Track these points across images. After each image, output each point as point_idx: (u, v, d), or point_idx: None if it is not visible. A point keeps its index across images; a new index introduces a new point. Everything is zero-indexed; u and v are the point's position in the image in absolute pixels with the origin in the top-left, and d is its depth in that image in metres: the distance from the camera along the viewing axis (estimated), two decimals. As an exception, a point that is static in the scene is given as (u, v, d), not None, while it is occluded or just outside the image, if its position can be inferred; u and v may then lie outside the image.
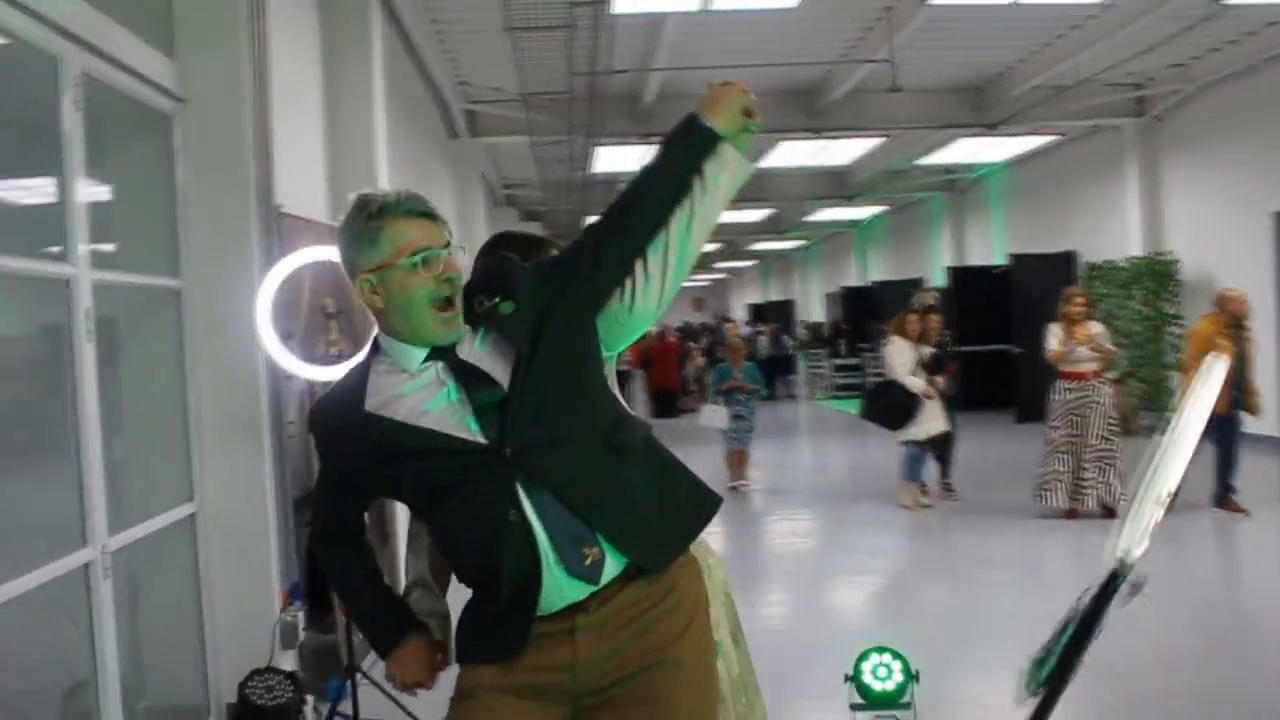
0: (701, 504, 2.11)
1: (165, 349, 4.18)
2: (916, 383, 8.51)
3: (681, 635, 1.98)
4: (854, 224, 24.31)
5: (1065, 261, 13.71)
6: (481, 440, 1.91)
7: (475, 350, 1.97)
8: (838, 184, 18.42)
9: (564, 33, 7.71)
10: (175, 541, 4.14)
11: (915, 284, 18.72)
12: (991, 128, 12.22)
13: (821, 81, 11.66)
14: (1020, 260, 14.38)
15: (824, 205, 20.24)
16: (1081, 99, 11.61)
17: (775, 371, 22.44)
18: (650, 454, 2.07)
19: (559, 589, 1.92)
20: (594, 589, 1.93)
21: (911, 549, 7.73)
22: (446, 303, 1.93)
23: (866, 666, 3.98)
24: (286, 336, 4.30)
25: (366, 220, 1.93)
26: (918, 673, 3.96)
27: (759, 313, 31.38)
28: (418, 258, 1.90)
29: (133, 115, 4.08)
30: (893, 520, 8.37)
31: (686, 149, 2.02)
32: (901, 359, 8.61)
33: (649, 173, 2.04)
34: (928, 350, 8.71)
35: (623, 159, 13.26)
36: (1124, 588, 1.60)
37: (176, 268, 4.17)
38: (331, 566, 2.24)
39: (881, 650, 4.00)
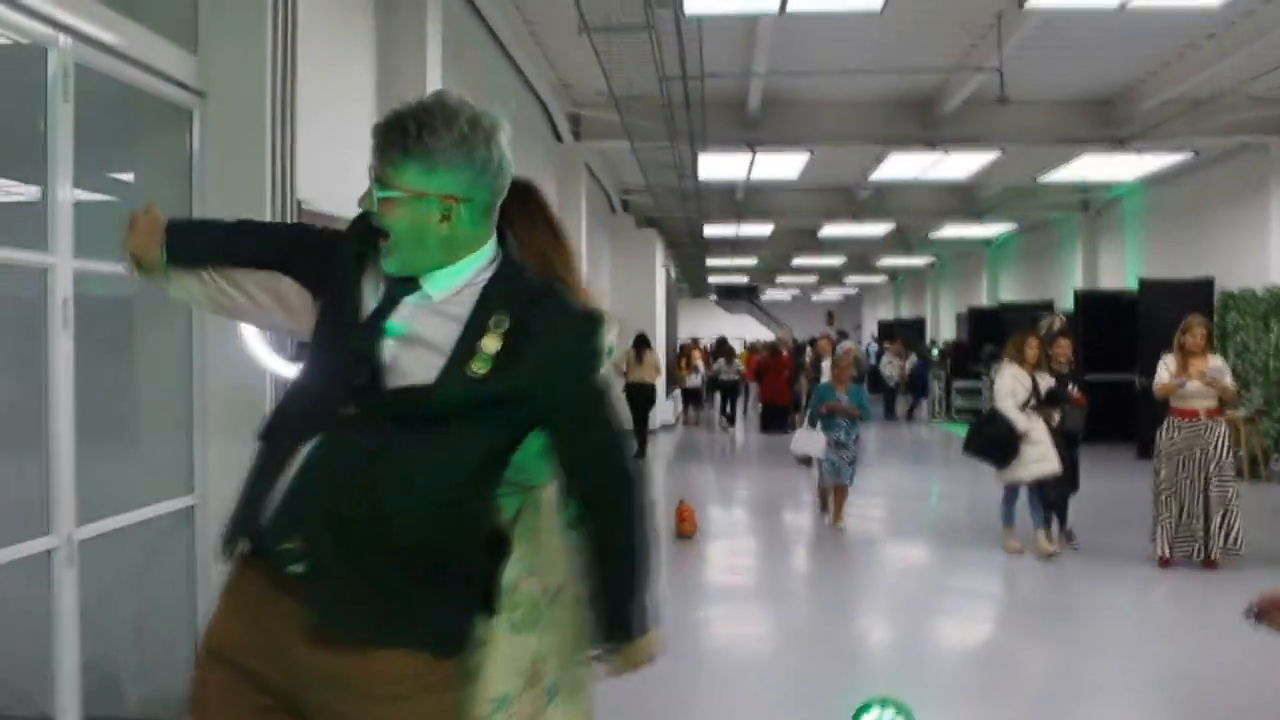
0: (454, 626, 1.90)
1: (176, 342, 4.16)
2: (1018, 417, 7.57)
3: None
4: (986, 243, 23.43)
5: (1200, 289, 12.83)
6: (359, 374, 1.80)
7: (430, 320, 1.83)
8: (964, 200, 17.77)
9: (648, 35, 7.54)
10: (174, 533, 4.11)
11: (1043, 307, 17.90)
12: (1120, 143, 11.51)
13: (936, 92, 11.18)
14: (1150, 286, 13.54)
15: (950, 222, 19.53)
16: (1222, 114, 10.82)
17: (916, 392, 22.06)
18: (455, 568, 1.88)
19: (268, 536, 1.83)
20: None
21: (1002, 595, 7.18)
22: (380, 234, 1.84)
23: None
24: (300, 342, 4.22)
25: None
26: (925, 729, 3.64)
27: (888, 331, 30.60)
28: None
29: (154, 109, 4.07)
30: (995, 563, 7.66)
31: (615, 614, 1.97)
32: (1011, 386, 7.72)
33: (612, 550, 1.96)
34: (1047, 379, 7.84)
35: (731, 166, 13.02)
36: None
37: (190, 260, 4.13)
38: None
39: (885, 703, 3.68)
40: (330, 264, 1.95)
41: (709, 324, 37.60)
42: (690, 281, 33.16)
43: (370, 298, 1.88)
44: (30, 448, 3.51)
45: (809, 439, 8.92)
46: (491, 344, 1.79)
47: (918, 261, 28.76)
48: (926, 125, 11.61)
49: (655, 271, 19.11)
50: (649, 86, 9.11)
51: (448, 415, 1.79)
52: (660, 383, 17.71)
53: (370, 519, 1.77)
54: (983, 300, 23.81)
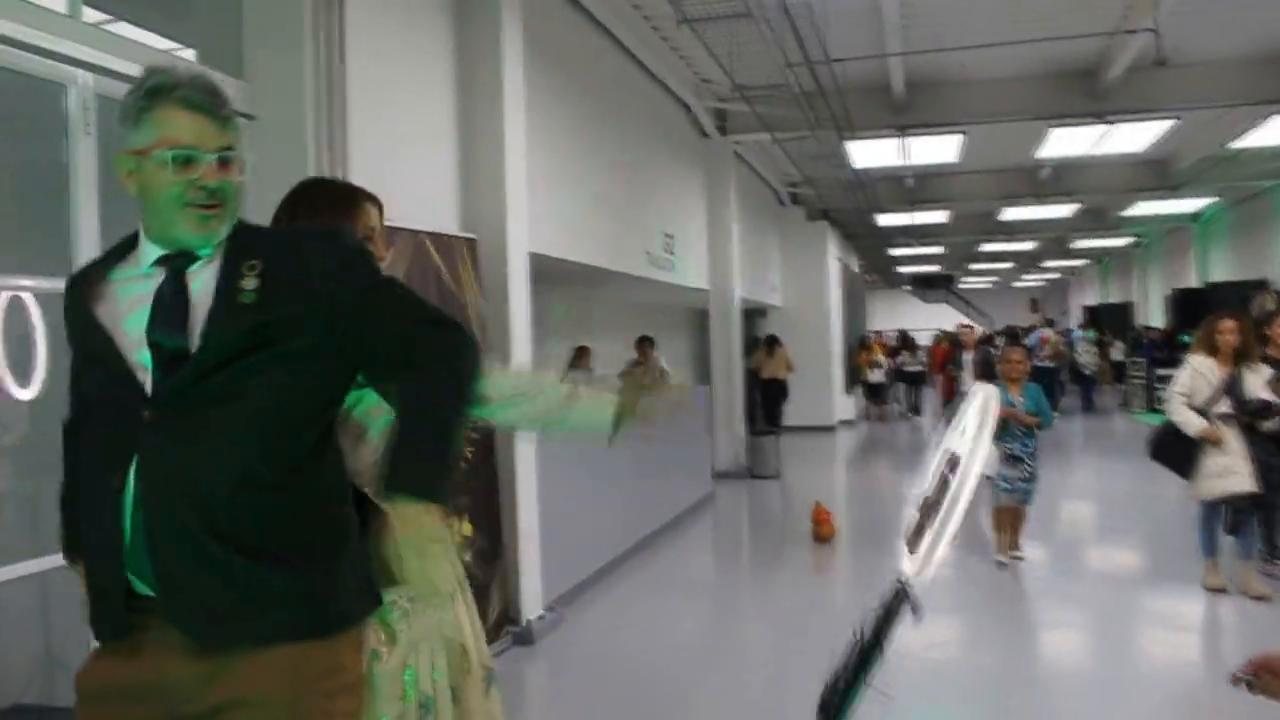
0: (323, 608, 1.79)
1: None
2: (1191, 421, 6.13)
3: None
4: (1194, 218, 21.71)
5: None
6: (142, 383, 1.75)
7: (208, 284, 1.78)
8: (1156, 174, 16.51)
9: (756, 23, 7.33)
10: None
11: (1256, 286, 16.44)
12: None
13: (1095, 61, 10.39)
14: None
15: (1143, 198, 18.17)
16: None
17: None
18: (312, 528, 1.79)
19: (135, 577, 1.75)
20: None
21: (1201, 635, 5.91)
22: (204, 207, 1.76)
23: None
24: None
25: (138, 97, 1.76)
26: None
27: (1094, 315, 28.87)
28: (171, 155, 1.73)
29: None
30: (1194, 593, 6.28)
31: (398, 460, 1.78)
32: (1190, 383, 6.25)
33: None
34: (1260, 375, 6.19)
35: (885, 153, 12.54)
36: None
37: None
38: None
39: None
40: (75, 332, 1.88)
41: (907, 316, 36.54)
42: (879, 273, 32.31)
43: (123, 312, 1.80)
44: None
45: None
46: (250, 283, 1.75)
47: (1119, 242, 26.99)
48: (1089, 97, 10.80)
49: (827, 264, 18.69)
50: (778, 76, 8.87)
51: (233, 377, 1.72)
52: (839, 378, 17.41)
53: (196, 510, 1.71)
54: (1191, 280, 22.11)
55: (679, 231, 10.90)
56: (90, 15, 3.55)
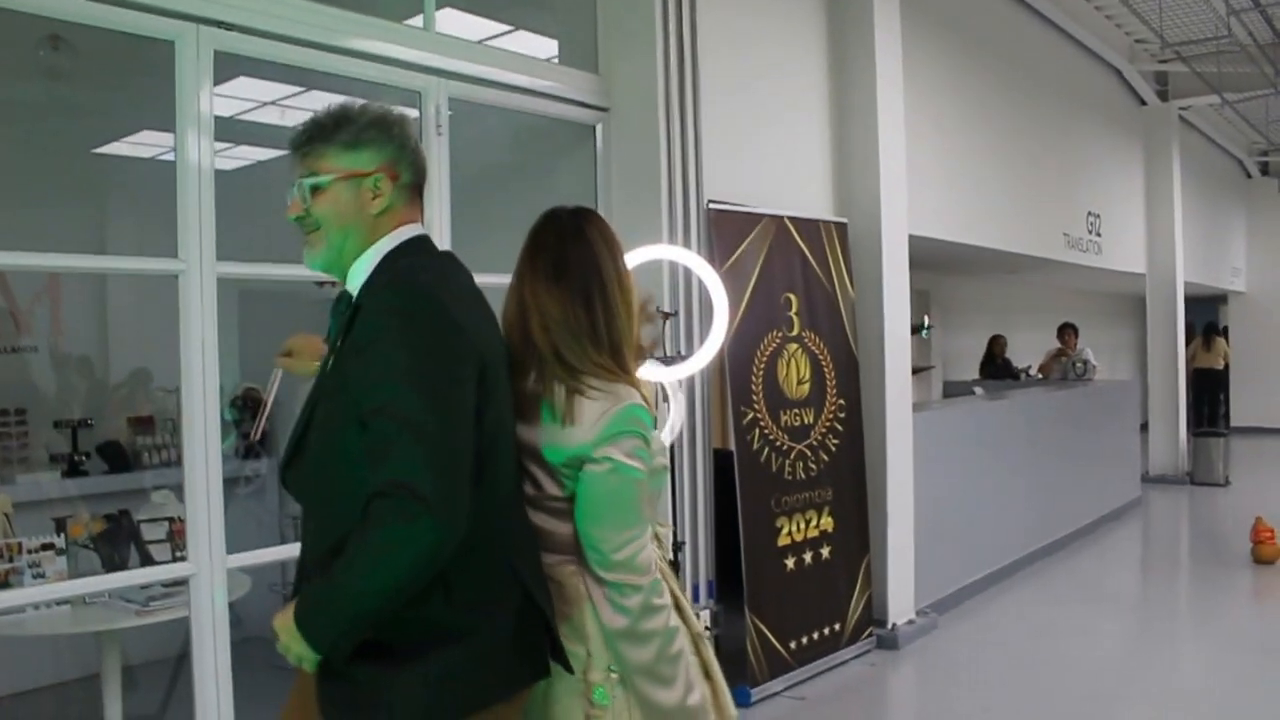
0: None
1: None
2: None
3: None
4: None
5: None
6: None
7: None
8: None
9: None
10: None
11: None
12: None
13: None
14: None
15: None
16: None
17: None
18: None
19: None
20: None
21: None
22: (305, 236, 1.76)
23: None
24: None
25: None
26: None
27: None
28: None
29: (564, 127, 4.37)
30: None
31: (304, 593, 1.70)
32: None
33: None
34: None
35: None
36: None
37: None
38: None
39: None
40: None
41: None
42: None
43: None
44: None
45: None
46: (339, 327, 1.72)
47: None
48: None
49: (1308, 242, 16.22)
50: (1220, 27, 7.79)
51: (309, 436, 1.70)
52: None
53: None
54: None
55: (1108, 210, 9.89)
56: (448, 20, 3.78)
